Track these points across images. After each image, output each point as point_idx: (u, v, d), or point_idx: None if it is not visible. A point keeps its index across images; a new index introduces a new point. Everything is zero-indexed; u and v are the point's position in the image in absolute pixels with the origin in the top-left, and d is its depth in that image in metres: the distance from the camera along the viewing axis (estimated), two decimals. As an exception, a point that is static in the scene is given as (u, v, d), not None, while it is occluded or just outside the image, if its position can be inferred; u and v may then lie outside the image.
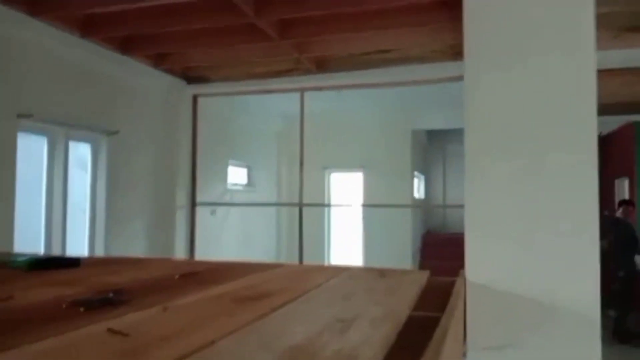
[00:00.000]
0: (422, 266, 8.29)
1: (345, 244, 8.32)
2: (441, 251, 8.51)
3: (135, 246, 4.64)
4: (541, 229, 1.91)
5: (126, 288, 1.21)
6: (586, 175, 1.89)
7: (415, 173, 8.65)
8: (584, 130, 1.89)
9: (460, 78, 4.60)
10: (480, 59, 2.06)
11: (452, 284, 1.58)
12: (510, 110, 2.01)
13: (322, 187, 8.11)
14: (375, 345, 0.77)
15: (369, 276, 1.56)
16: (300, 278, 1.56)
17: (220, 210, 6.34)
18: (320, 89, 4.96)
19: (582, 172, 1.89)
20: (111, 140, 4.40)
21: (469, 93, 2.07)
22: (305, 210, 6.98)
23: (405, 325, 0.95)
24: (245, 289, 1.29)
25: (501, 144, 2.01)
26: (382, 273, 1.56)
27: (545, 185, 1.92)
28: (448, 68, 4.49)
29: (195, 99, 5.45)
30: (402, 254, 7.70)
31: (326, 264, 5.81)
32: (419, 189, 9.43)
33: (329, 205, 8.22)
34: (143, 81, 4.81)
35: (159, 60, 4.68)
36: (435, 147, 10.31)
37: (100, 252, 4.28)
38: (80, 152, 4.36)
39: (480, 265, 1.94)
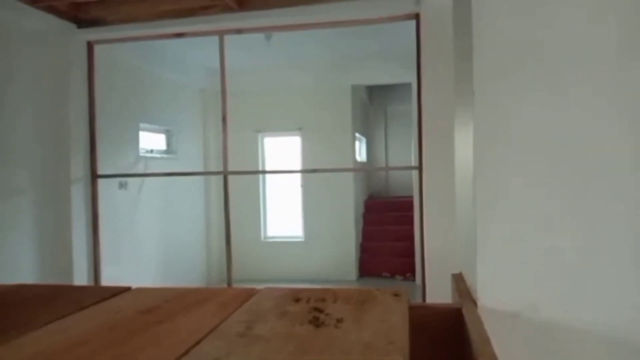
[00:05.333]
0: (365, 233, 7.79)
1: (284, 213, 7.63)
2: (384, 217, 8.05)
3: (15, 233, 3.68)
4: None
5: None
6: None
7: (357, 135, 8.03)
8: None
9: (412, 16, 3.94)
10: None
11: (458, 323, 0.83)
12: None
13: (255, 153, 7.29)
14: None
15: (291, 321, 0.76)
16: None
17: (134, 183, 5.39)
18: (242, 31, 4.10)
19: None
20: (-28, 97, 3.37)
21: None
22: (238, 180, 6.18)
23: None
24: None
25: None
26: (318, 311, 0.78)
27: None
28: (396, 5, 3.81)
29: (90, 46, 4.42)
30: (344, 222, 7.13)
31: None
32: (360, 152, 8.85)
33: (260, 173, 7.43)
34: (16, 23, 3.75)
35: (32, -7, 3.62)
36: (376, 107, 9.73)
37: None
38: None
39: (504, 278, 0.98)
